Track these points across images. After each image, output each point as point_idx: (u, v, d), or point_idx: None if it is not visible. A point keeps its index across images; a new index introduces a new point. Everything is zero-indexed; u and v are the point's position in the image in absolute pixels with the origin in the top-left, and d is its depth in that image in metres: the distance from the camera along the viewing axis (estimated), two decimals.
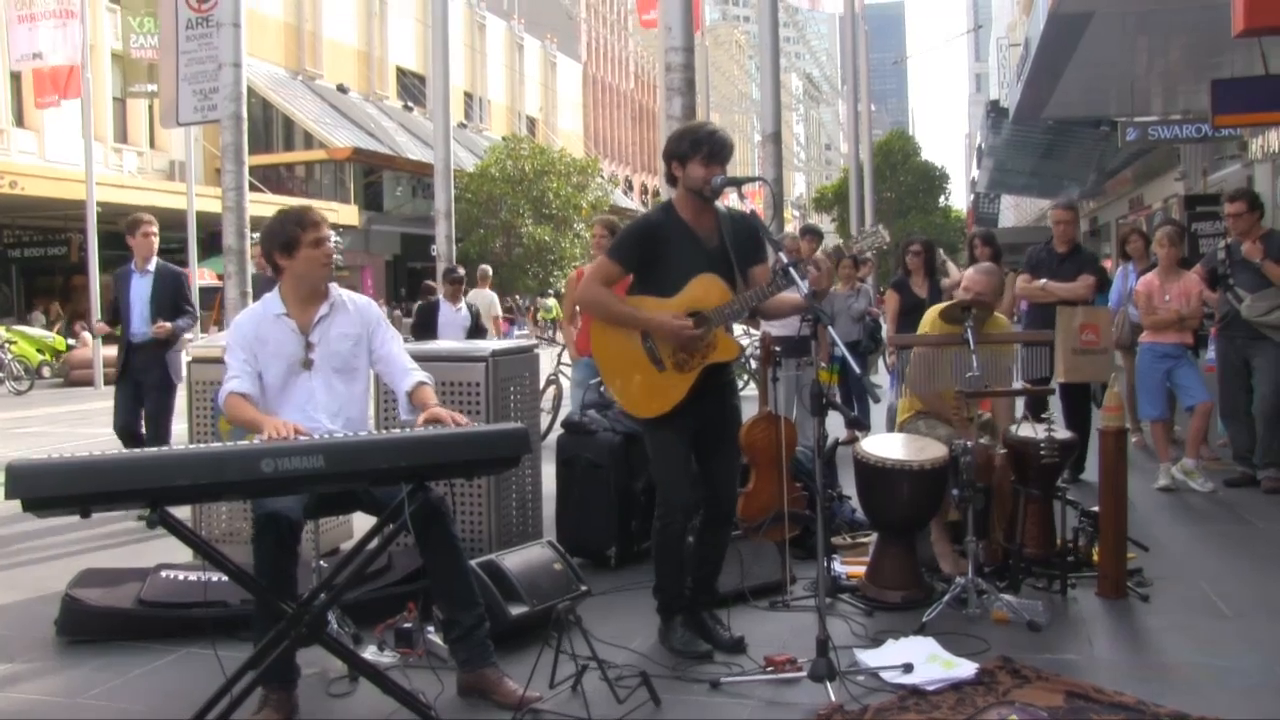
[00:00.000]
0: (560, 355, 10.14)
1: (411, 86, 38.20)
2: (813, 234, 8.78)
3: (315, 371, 3.47)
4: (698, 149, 3.57)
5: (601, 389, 5.06)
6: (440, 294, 9.13)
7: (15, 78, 17.96)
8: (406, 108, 37.59)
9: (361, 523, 3.82)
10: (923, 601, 4.12)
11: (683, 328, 3.49)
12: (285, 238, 3.45)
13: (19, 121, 23.68)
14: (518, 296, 31.97)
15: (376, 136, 32.84)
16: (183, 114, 7.09)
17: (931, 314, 4.81)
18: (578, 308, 6.73)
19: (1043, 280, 6.48)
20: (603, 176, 38.82)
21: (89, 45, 16.66)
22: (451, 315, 8.87)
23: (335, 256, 3.63)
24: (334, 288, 3.57)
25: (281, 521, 3.07)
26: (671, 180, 3.71)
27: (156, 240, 6.40)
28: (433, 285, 9.46)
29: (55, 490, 2.61)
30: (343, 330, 3.54)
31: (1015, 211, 44.85)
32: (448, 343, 7.22)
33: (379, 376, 3.76)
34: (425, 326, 8.94)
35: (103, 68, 23.95)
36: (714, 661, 3.61)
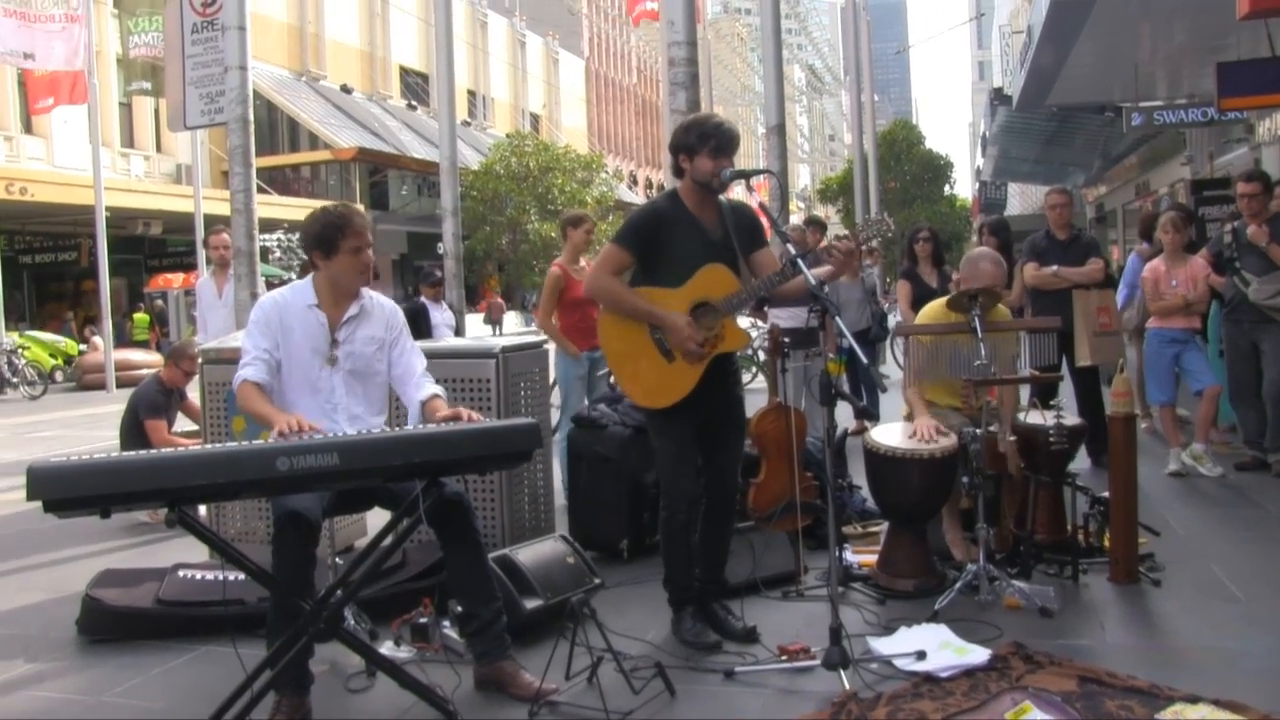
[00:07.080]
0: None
1: (415, 85, 38.22)
2: (816, 225, 8.81)
3: (337, 370, 3.47)
4: (705, 141, 3.59)
5: (610, 381, 5.08)
6: (423, 297, 9.20)
7: (24, 85, 18.02)
8: (410, 106, 37.61)
9: (376, 520, 3.85)
10: (935, 589, 4.13)
11: (691, 338, 3.52)
12: (325, 239, 3.43)
13: (27, 128, 23.75)
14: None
15: (381, 136, 32.87)
16: (190, 118, 7.11)
17: (934, 307, 4.82)
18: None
19: (1054, 267, 6.48)
20: (607, 172, 38.76)
21: (94, 50, 16.70)
22: (440, 316, 8.95)
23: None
24: (365, 290, 3.57)
25: (302, 520, 3.08)
26: (678, 172, 3.71)
27: None
28: (435, 276, 9.45)
29: (75, 491, 2.64)
30: (369, 333, 3.53)
31: (1021, 199, 44.69)
32: (457, 340, 7.24)
33: (391, 384, 3.63)
34: (415, 328, 9.01)
35: (108, 72, 24.00)
36: (728, 651, 3.63)
